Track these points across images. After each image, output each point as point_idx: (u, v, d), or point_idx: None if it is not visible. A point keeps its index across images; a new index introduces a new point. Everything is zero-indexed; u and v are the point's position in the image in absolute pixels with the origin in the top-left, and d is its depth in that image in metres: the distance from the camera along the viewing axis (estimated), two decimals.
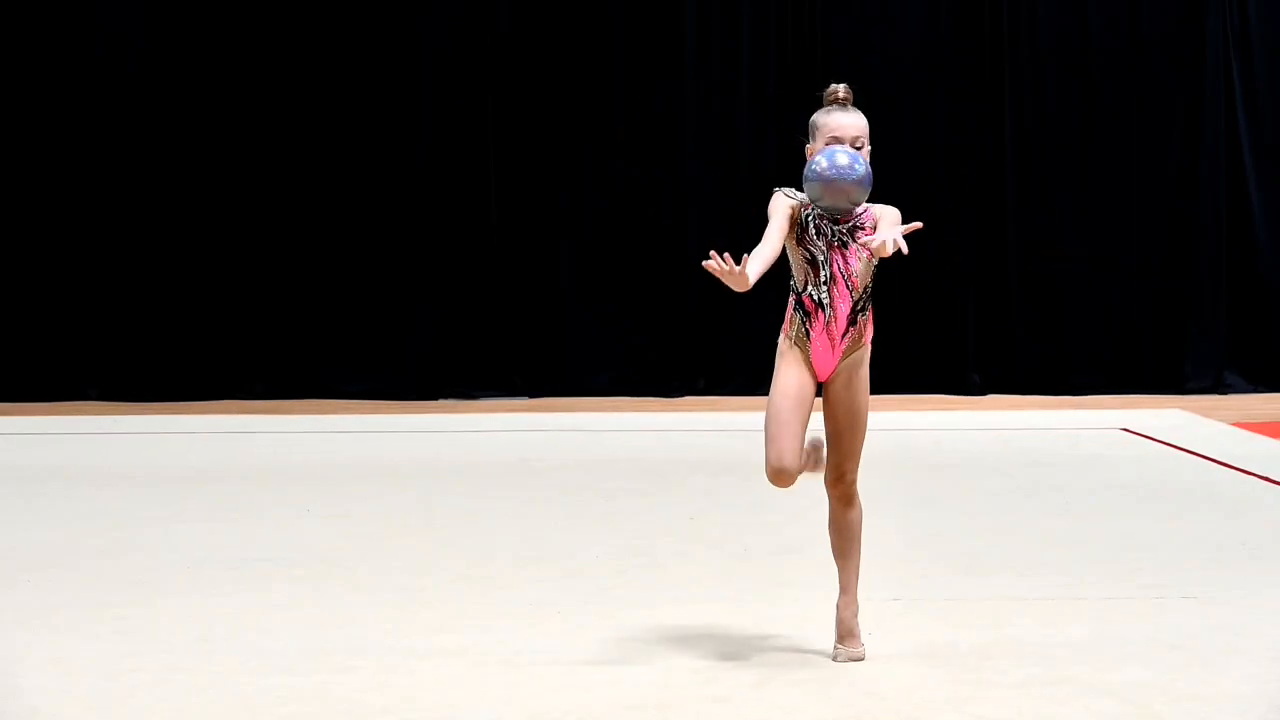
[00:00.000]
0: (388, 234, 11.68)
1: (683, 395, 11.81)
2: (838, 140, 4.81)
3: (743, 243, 5.01)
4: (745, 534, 6.78)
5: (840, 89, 4.90)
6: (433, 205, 11.69)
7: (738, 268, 4.59)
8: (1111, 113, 11.89)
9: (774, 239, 4.81)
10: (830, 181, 4.72)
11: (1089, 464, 8.95)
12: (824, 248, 4.82)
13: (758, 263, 4.70)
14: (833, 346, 4.85)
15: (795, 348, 4.87)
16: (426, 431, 10.34)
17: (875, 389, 11.14)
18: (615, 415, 11.04)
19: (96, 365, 11.70)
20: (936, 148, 11.73)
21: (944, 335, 11.96)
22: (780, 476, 4.80)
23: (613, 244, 11.80)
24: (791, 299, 4.89)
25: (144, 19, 11.49)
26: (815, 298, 4.84)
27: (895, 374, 11.69)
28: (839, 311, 4.83)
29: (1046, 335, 11.99)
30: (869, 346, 4.90)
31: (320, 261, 11.67)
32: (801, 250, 4.86)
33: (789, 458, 4.78)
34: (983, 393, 11.90)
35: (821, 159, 4.76)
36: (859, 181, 4.74)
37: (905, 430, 10.31)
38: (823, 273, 4.82)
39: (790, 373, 4.85)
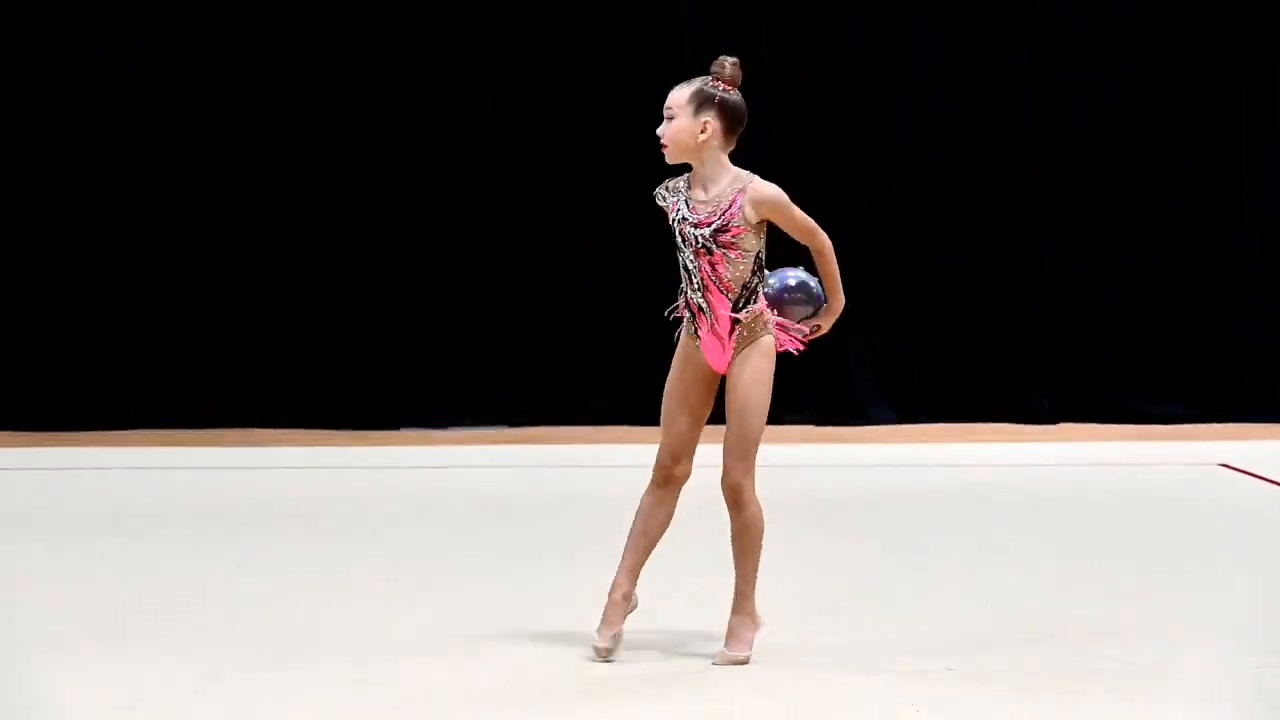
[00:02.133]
0: (387, 235, 12.18)
1: None
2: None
3: None
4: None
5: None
6: (432, 205, 12.20)
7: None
8: (1142, 111, 12.08)
9: None
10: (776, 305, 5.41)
11: (1180, 506, 8.89)
12: (691, 255, 5.38)
13: None
14: (723, 345, 5.36)
15: (690, 341, 5.43)
16: (394, 467, 10.38)
17: (925, 414, 12.17)
18: (613, 447, 11.01)
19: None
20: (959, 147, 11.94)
21: (1006, 354, 12.07)
22: (659, 471, 5.43)
23: (612, 244, 12.13)
24: (680, 297, 5.46)
25: (144, 19, 12.12)
26: (695, 302, 5.40)
27: (950, 399, 11.94)
28: (719, 314, 5.35)
29: (1127, 356, 12.06)
30: (770, 335, 5.35)
31: (318, 261, 12.10)
32: (678, 254, 5.42)
33: (664, 455, 5.44)
34: (1053, 420, 11.93)
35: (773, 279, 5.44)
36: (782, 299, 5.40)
37: (962, 466, 10.39)
38: (694, 279, 5.39)
39: (677, 369, 5.44)
